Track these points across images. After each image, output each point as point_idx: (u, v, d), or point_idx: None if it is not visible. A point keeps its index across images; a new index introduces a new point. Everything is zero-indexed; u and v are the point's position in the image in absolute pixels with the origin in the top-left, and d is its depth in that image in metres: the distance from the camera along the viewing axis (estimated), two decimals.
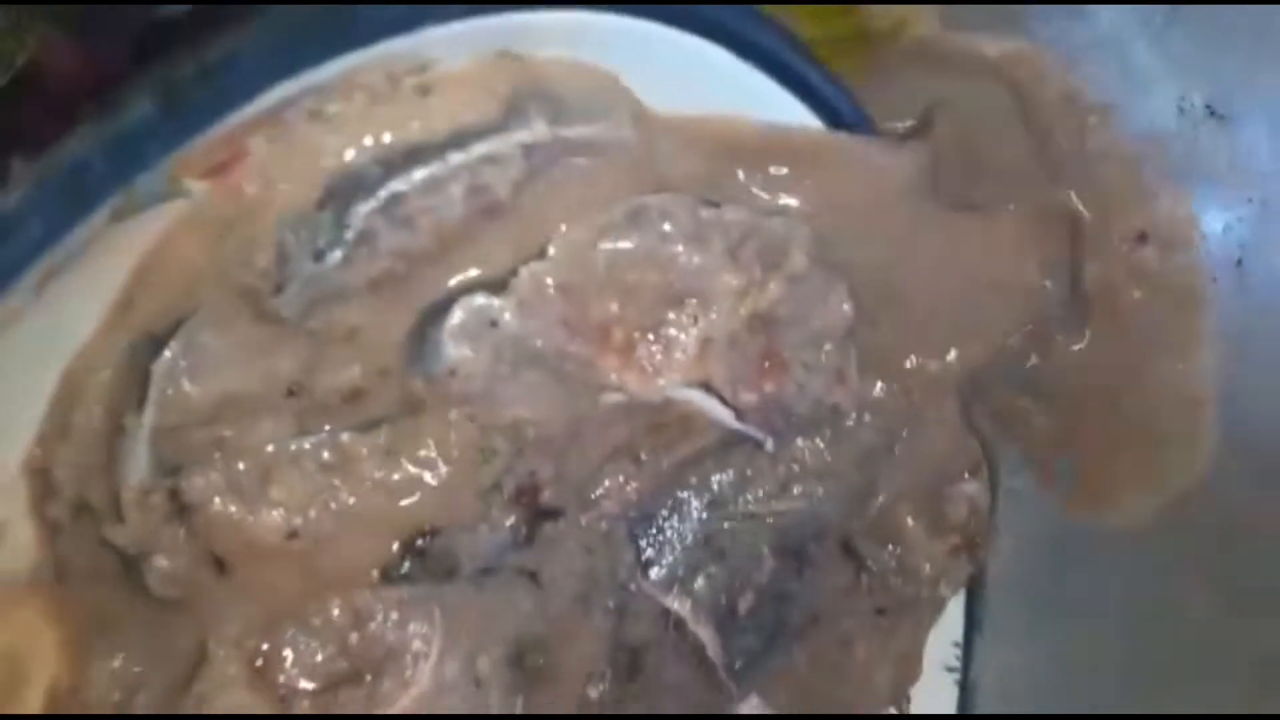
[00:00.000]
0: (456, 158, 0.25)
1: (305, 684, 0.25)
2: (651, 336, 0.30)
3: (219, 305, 0.23)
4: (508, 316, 0.28)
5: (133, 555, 0.24)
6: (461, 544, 0.29)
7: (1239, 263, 0.37)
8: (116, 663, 0.24)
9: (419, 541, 0.28)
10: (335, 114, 0.22)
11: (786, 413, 0.34)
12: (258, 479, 0.26)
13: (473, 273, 0.28)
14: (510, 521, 0.30)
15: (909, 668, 0.39)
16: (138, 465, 0.24)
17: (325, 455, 0.27)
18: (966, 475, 0.39)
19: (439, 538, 0.29)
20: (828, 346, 0.34)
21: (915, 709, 0.40)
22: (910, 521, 0.39)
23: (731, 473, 0.36)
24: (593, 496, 0.32)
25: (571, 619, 0.31)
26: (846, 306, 0.34)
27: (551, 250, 0.28)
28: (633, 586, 0.35)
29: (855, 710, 0.39)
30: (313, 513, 0.26)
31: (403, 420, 0.28)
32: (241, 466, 0.25)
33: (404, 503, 0.28)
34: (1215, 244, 0.37)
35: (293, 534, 0.25)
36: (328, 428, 0.27)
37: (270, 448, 0.25)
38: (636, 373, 0.31)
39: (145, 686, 0.24)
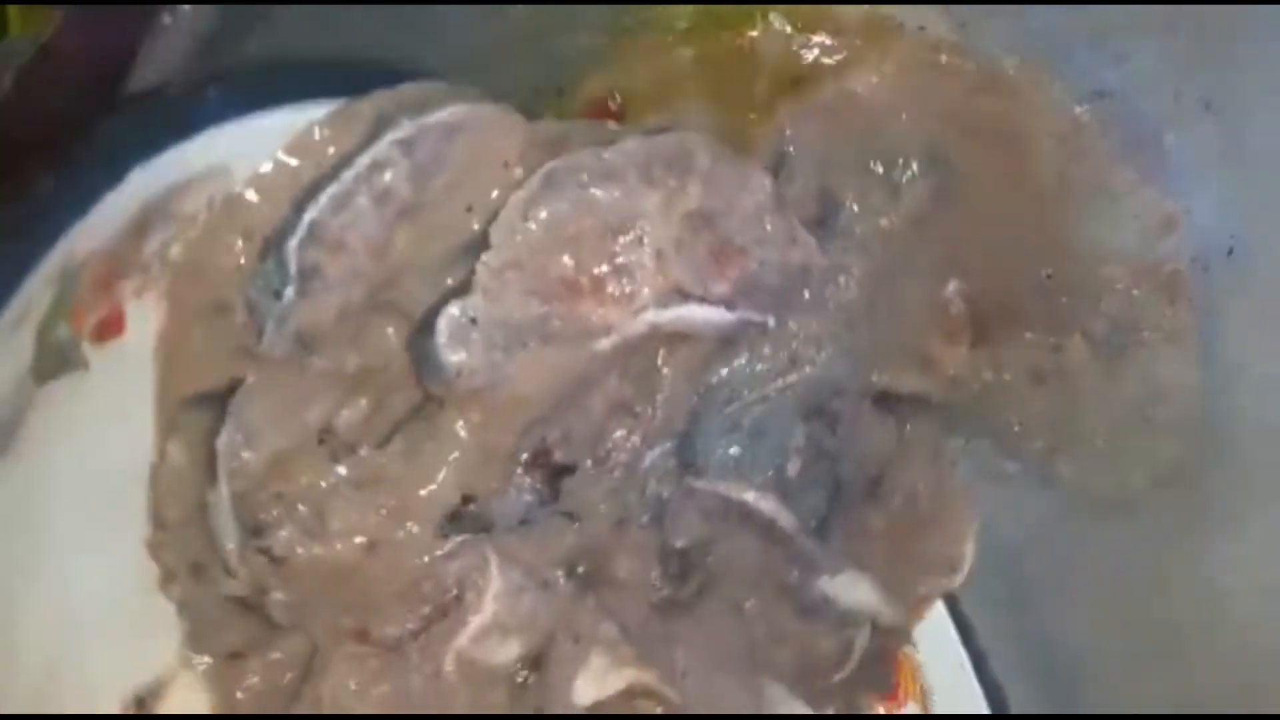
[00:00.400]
0: (348, 174, 0.30)
1: (406, 630, 0.30)
2: (608, 269, 0.34)
3: (245, 374, 0.29)
4: (482, 312, 0.32)
5: (252, 600, 0.29)
6: (494, 508, 0.34)
7: (1230, 253, 0.38)
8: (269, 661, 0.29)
9: (458, 507, 0.33)
10: (179, 255, 0.27)
11: (764, 288, 0.37)
12: (316, 518, 0.31)
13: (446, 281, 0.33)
14: (531, 482, 0.34)
15: (971, 499, 0.42)
16: (228, 532, 0.29)
17: (356, 476, 0.32)
18: (950, 284, 0.42)
19: (475, 504, 0.33)
20: (767, 219, 0.37)
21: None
22: (921, 343, 0.42)
23: (739, 363, 0.39)
24: (602, 453, 0.36)
25: (612, 540, 0.36)
26: (766, 181, 0.37)
27: (492, 238, 0.33)
28: (665, 494, 0.38)
29: (945, 559, 0.42)
30: (372, 522, 0.31)
31: (412, 424, 0.33)
32: (302, 509, 0.30)
33: (435, 490, 0.32)
34: (1208, 235, 0.38)
35: (371, 548, 0.30)
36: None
37: (322, 484, 0.30)
38: (615, 307, 0.34)
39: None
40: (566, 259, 0.33)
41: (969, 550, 0.42)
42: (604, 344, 0.34)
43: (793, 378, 0.39)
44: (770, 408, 0.39)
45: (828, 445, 0.40)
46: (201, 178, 0.28)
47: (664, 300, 0.35)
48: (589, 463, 0.36)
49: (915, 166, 0.41)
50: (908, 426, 0.41)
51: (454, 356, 0.32)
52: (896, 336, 0.41)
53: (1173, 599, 0.40)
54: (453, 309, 0.31)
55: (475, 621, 0.32)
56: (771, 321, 0.37)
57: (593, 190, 0.33)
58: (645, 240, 0.34)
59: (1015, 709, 0.43)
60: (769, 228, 0.37)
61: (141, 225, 0.27)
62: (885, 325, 0.41)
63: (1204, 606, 0.39)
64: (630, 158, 0.34)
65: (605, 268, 0.34)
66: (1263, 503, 0.38)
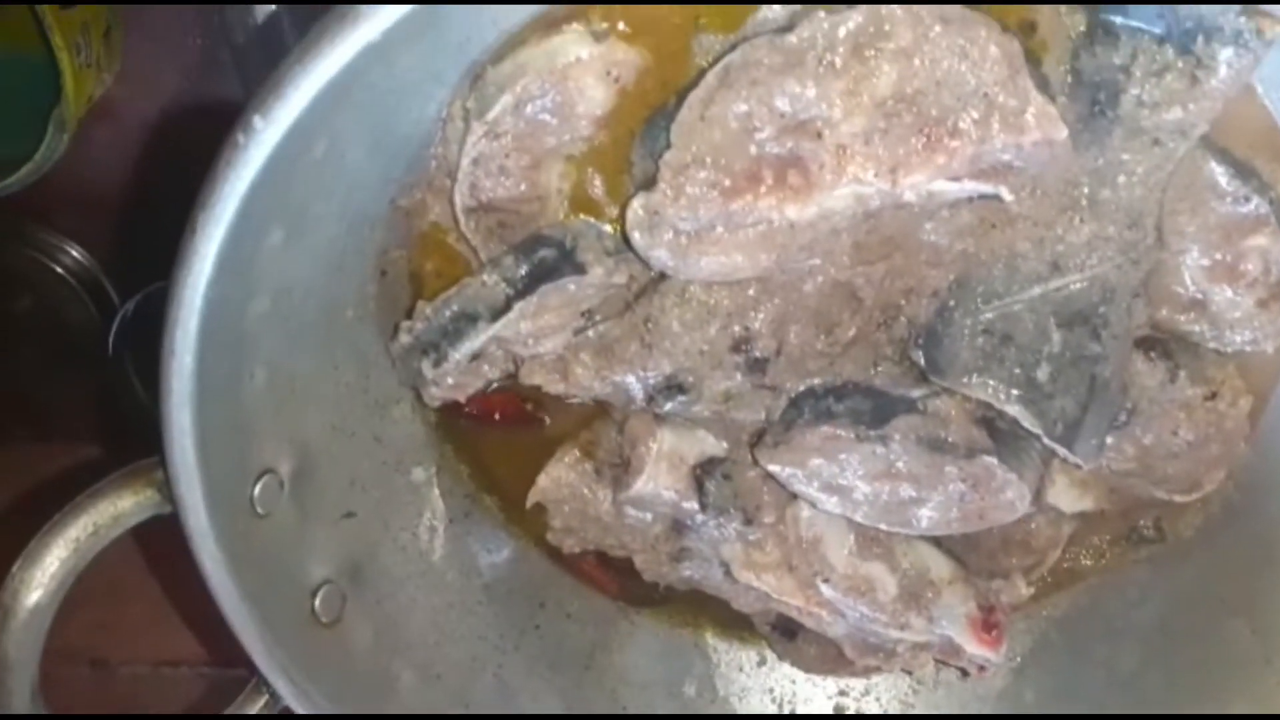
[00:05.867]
0: None
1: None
2: (790, 161, 0.35)
3: None
4: (665, 207, 0.35)
5: None
6: (704, 386, 0.38)
7: None
8: None
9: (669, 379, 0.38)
10: None
11: (989, 164, 0.34)
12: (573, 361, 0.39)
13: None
14: (736, 365, 0.37)
15: (1237, 441, 0.38)
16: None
17: (592, 344, 0.39)
18: (1251, 231, 0.35)
19: (686, 380, 0.38)
20: (991, 92, 0.33)
21: None
22: (1209, 281, 0.36)
23: (999, 266, 0.36)
24: (817, 336, 0.38)
25: None
26: (994, 48, 0.33)
27: (673, 137, 0.36)
28: (915, 394, 0.38)
29: (1189, 479, 0.39)
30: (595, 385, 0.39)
31: (639, 301, 0.38)
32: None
33: (651, 360, 0.38)
34: None
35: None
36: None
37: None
38: (796, 199, 0.35)
39: None
40: (746, 154, 0.35)
41: (1219, 476, 0.38)
42: (794, 224, 0.35)
43: (1055, 284, 0.35)
44: (1026, 310, 0.36)
45: (1089, 350, 0.35)
46: None
47: (852, 187, 0.34)
48: (797, 349, 0.38)
49: None
50: (1180, 374, 0.35)
51: (643, 244, 0.36)
52: (1179, 264, 0.36)
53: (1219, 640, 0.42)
54: (637, 204, 0.36)
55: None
56: (1007, 194, 0.34)
57: (769, 85, 0.34)
58: (826, 134, 0.34)
59: None
60: (999, 100, 0.33)
61: None
62: (1172, 236, 0.34)
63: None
64: (810, 42, 0.34)
65: (786, 161, 0.35)
66: None
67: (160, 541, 0.37)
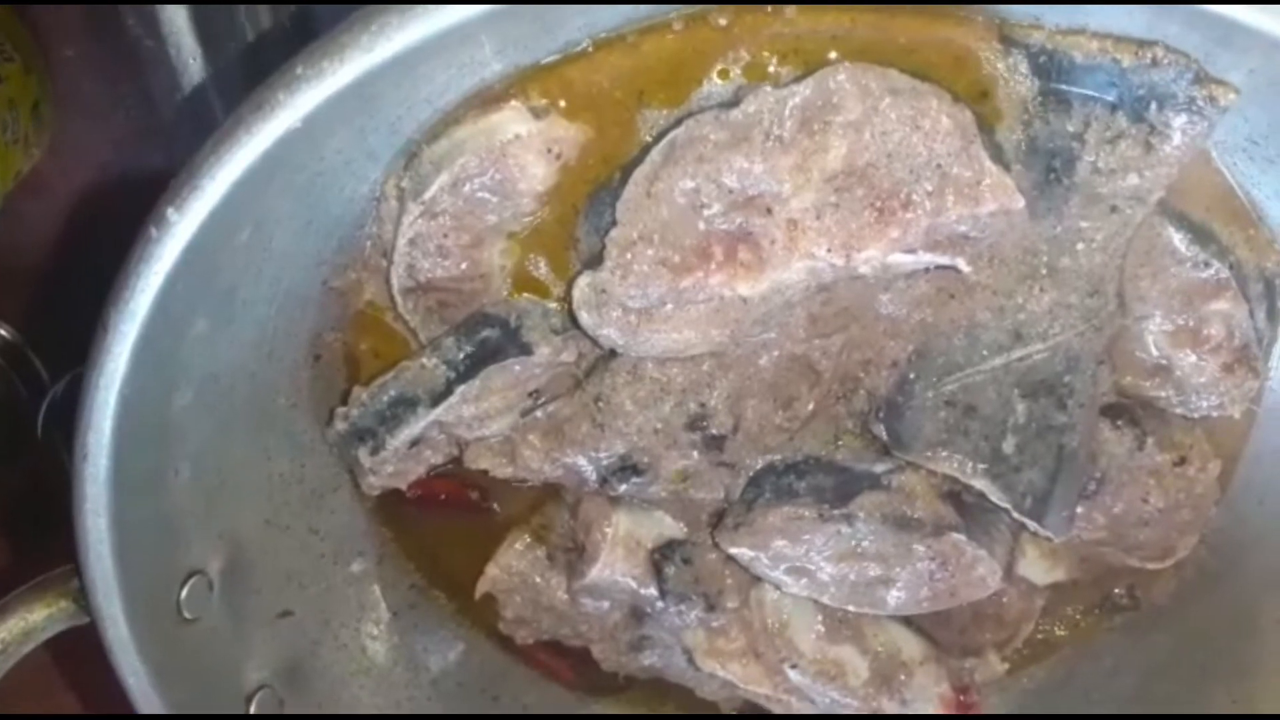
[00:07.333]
0: None
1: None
2: (739, 238, 0.33)
3: None
4: (612, 285, 0.34)
5: None
6: (661, 465, 0.36)
7: None
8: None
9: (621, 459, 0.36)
10: None
11: (944, 236, 0.33)
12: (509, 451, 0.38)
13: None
14: (691, 443, 0.36)
15: (1208, 505, 0.37)
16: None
17: (541, 425, 0.37)
18: (1212, 295, 0.34)
19: (639, 460, 0.36)
20: (944, 162, 0.32)
21: None
22: (1172, 347, 0.35)
23: (959, 336, 0.35)
24: (773, 410, 0.36)
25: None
26: (945, 119, 0.32)
27: (618, 214, 0.34)
28: (879, 469, 0.36)
29: (1161, 546, 0.38)
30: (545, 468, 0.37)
31: (588, 379, 0.37)
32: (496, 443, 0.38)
33: (602, 442, 0.36)
34: None
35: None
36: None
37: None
38: (747, 276, 0.34)
39: None
40: (695, 230, 0.33)
41: (1191, 542, 0.37)
42: (746, 299, 0.33)
43: (1017, 354, 0.34)
44: (989, 381, 0.35)
45: (1055, 420, 0.34)
46: None
47: (805, 262, 0.33)
48: (755, 425, 0.36)
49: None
50: (1148, 441, 0.33)
51: (591, 323, 0.34)
52: (1142, 331, 0.35)
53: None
54: (583, 282, 0.34)
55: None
56: (964, 265, 0.33)
57: (716, 161, 0.33)
58: (776, 210, 0.32)
59: None
60: (952, 172, 0.32)
61: None
62: (1134, 301, 0.34)
63: None
64: (757, 117, 0.32)
65: (736, 237, 0.33)
66: None
67: (77, 648, 0.34)
